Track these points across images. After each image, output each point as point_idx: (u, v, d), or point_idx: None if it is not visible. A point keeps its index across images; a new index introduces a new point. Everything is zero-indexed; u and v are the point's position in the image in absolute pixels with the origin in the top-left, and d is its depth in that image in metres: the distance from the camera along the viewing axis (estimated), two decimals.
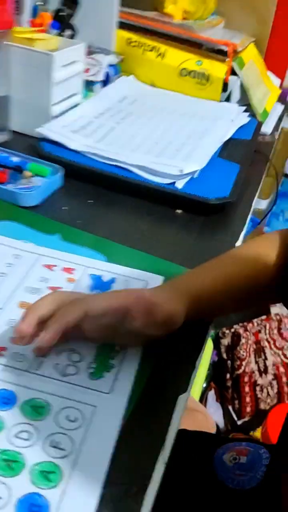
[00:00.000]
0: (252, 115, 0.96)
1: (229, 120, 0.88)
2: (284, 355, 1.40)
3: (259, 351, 1.39)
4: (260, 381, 1.36)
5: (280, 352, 1.40)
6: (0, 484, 0.31)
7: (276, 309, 1.45)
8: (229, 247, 0.59)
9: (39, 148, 0.68)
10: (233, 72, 0.96)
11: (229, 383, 1.36)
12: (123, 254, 0.53)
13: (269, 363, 1.39)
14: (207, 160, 0.71)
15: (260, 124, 0.94)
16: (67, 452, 0.33)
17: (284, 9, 1.16)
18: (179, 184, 0.65)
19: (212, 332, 1.22)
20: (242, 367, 1.35)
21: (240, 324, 1.40)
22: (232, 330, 1.38)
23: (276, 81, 1.18)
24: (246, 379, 1.35)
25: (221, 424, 1.29)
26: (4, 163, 0.63)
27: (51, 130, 0.71)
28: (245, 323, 1.40)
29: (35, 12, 0.83)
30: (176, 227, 0.61)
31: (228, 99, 0.99)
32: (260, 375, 1.37)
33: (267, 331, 1.42)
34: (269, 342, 1.41)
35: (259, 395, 1.35)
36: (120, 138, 0.74)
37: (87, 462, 0.33)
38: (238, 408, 1.34)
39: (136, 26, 0.99)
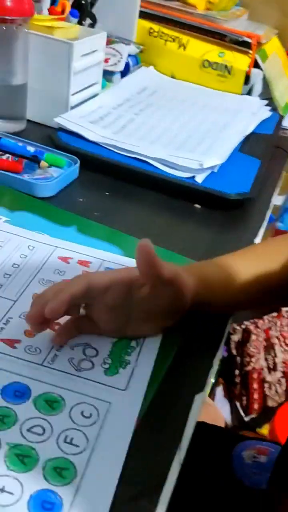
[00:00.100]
0: (274, 109, 0.94)
1: (251, 114, 0.86)
2: None
3: (269, 348, 1.38)
4: (268, 378, 1.36)
5: None
6: (12, 479, 0.30)
7: None
8: (248, 244, 0.58)
9: (56, 139, 0.68)
10: (255, 65, 0.94)
11: (237, 379, 1.35)
12: None
13: (278, 360, 1.38)
14: (228, 154, 0.70)
15: (281, 118, 0.92)
16: (81, 449, 0.33)
17: None
18: (199, 179, 0.64)
19: None
20: (252, 364, 1.34)
21: (251, 320, 1.39)
22: (243, 326, 1.37)
23: None
24: (255, 375, 1.34)
25: (228, 420, 1.29)
26: (20, 152, 0.62)
27: (68, 120, 0.70)
28: (256, 320, 1.39)
29: (55, 0, 0.81)
30: (194, 222, 0.60)
31: (249, 93, 0.97)
32: (269, 372, 1.36)
33: (278, 328, 1.41)
34: (279, 339, 1.40)
35: (267, 392, 1.35)
36: (139, 130, 0.73)
37: (102, 459, 0.32)
38: (246, 404, 1.33)
39: (158, 16, 0.97)
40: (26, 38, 0.67)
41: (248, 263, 0.46)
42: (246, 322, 1.38)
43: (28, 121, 0.73)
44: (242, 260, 0.47)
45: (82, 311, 0.40)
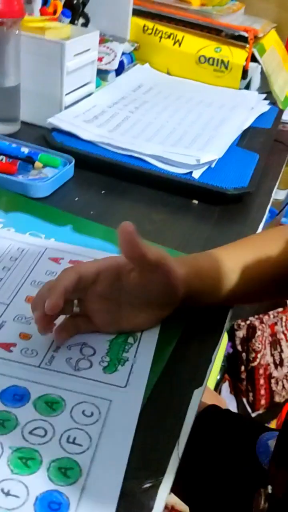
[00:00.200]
0: (273, 103, 0.94)
1: (249, 108, 0.86)
2: None
3: (275, 343, 1.38)
4: (275, 373, 1.35)
5: None
6: (17, 482, 0.30)
7: None
8: None
9: (50, 139, 0.67)
10: (253, 59, 0.93)
11: (243, 375, 1.35)
12: None
13: (285, 355, 1.38)
14: (225, 149, 0.70)
15: (281, 112, 0.91)
16: (85, 448, 0.33)
17: None
18: (196, 174, 0.64)
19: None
20: (258, 360, 1.33)
21: (256, 316, 1.38)
22: (248, 322, 1.36)
23: None
24: (261, 371, 1.33)
25: None
26: (14, 154, 0.62)
27: (62, 120, 0.70)
28: (261, 315, 1.38)
29: (46, 0, 0.81)
30: (192, 218, 0.60)
31: (247, 87, 0.96)
32: (276, 367, 1.36)
33: (283, 324, 1.40)
34: (285, 335, 1.40)
35: (274, 388, 1.34)
36: (135, 127, 0.73)
37: (106, 457, 0.32)
38: (253, 400, 1.33)
39: (152, 13, 0.97)
40: (18, 39, 0.67)
41: (240, 252, 0.46)
42: (251, 318, 1.37)
43: (22, 122, 0.73)
44: (235, 249, 0.47)
45: (76, 309, 0.40)
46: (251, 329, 1.35)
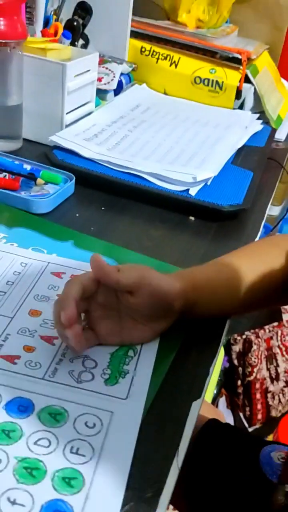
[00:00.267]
0: (266, 122, 0.96)
1: (242, 127, 0.88)
2: None
3: (271, 357, 1.39)
4: (271, 388, 1.35)
5: None
6: (22, 491, 0.31)
7: None
8: None
9: (52, 156, 0.69)
10: (246, 80, 0.96)
11: (240, 390, 1.35)
12: (135, 261, 0.53)
13: (280, 370, 1.38)
14: (221, 167, 0.72)
15: (274, 131, 0.94)
16: (88, 458, 0.33)
17: None
18: (193, 191, 0.65)
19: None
20: (254, 374, 1.34)
21: (252, 330, 1.39)
22: (244, 336, 1.37)
23: None
24: (257, 385, 1.34)
25: None
26: (17, 170, 0.63)
27: (63, 139, 0.72)
28: (257, 330, 1.39)
29: (47, 22, 0.84)
30: (189, 234, 0.61)
31: (241, 107, 0.99)
32: (272, 382, 1.36)
33: (279, 338, 1.41)
34: (281, 349, 1.40)
35: (270, 402, 1.34)
36: (133, 146, 0.75)
37: (108, 467, 0.33)
38: (249, 415, 1.33)
39: (150, 35, 0.99)
40: (21, 60, 0.69)
41: (236, 262, 0.47)
42: (247, 332, 1.38)
43: (24, 139, 0.74)
44: (231, 259, 0.48)
45: (83, 323, 0.42)
46: (247, 344, 1.36)
